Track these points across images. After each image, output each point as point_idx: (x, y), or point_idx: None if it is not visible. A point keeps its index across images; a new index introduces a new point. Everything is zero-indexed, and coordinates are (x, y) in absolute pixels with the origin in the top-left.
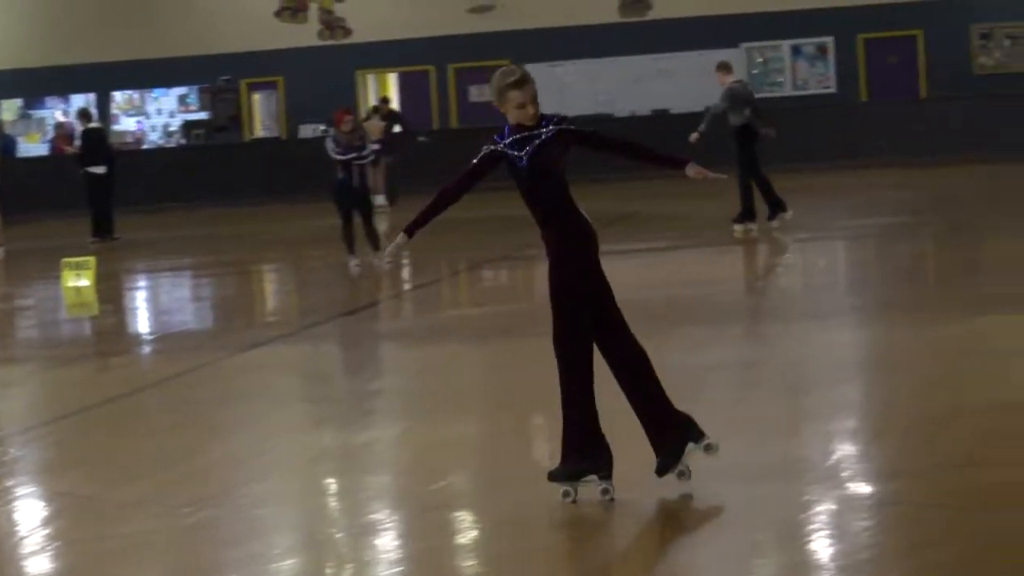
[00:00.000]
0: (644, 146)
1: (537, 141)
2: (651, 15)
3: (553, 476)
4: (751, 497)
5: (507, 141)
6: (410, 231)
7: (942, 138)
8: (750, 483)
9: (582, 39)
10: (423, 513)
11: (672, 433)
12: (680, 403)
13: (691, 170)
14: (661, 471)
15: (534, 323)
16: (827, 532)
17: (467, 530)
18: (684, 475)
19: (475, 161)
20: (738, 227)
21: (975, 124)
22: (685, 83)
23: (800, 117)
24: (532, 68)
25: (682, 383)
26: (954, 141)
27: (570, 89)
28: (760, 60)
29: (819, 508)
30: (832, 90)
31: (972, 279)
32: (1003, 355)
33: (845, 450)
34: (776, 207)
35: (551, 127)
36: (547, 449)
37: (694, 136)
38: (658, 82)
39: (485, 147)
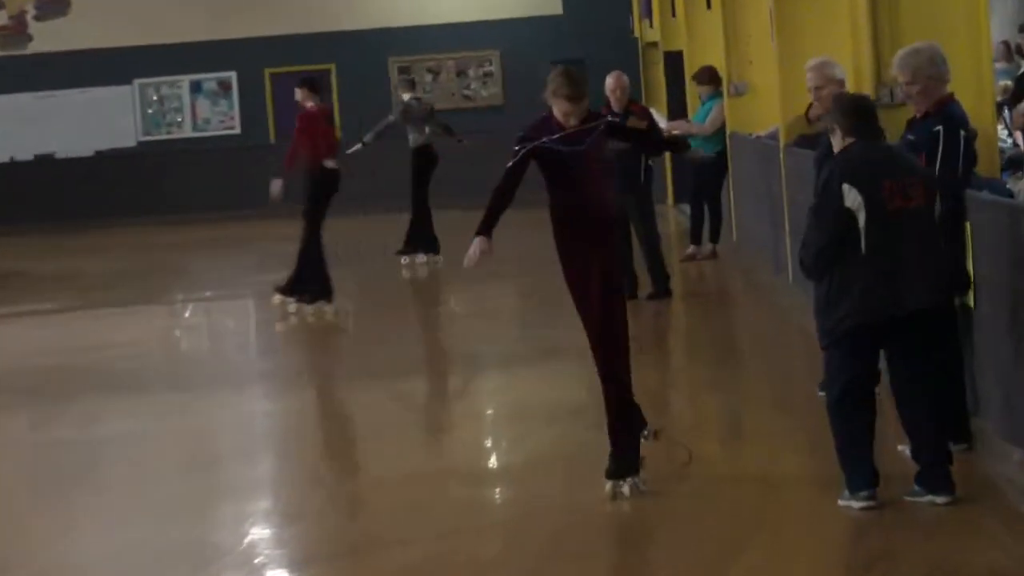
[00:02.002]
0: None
1: (595, 132)
2: (31, 47)
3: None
4: None
5: (555, 137)
6: (486, 232)
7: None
8: (149, 571)
9: None
10: None
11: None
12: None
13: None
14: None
15: None
16: None
17: None
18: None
19: (515, 160)
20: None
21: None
22: (71, 124)
23: (201, 161)
24: None
25: (74, 458)
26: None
27: None
28: (155, 98)
29: None
30: (236, 131)
31: (400, 339)
32: (416, 424)
33: (259, 533)
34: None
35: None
36: None
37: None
38: (40, 124)
39: (522, 145)
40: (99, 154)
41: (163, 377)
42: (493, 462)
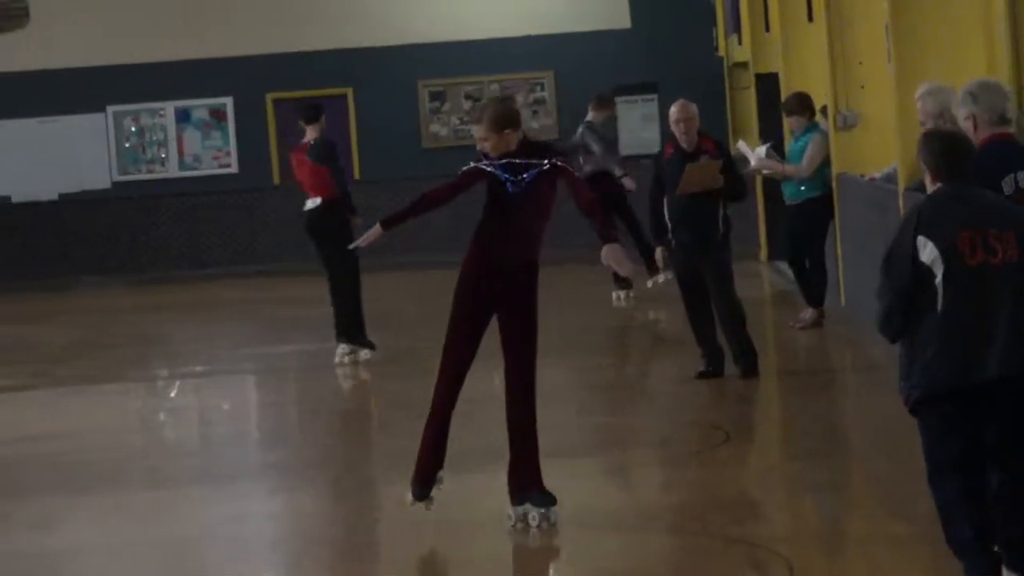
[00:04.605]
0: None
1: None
2: None
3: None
4: None
5: (498, 164)
6: (387, 224)
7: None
8: None
9: None
10: None
11: None
12: None
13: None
14: None
15: None
16: None
17: None
18: None
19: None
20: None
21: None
22: (29, 161)
23: (189, 207)
24: None
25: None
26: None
27: None
28: (134, 129)
29: None
30: (233, 170)
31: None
32: (447, 530)
33: None
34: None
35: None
36: None
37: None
38: None
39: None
40: (64, 198)
41: (141, 472)
42: None
